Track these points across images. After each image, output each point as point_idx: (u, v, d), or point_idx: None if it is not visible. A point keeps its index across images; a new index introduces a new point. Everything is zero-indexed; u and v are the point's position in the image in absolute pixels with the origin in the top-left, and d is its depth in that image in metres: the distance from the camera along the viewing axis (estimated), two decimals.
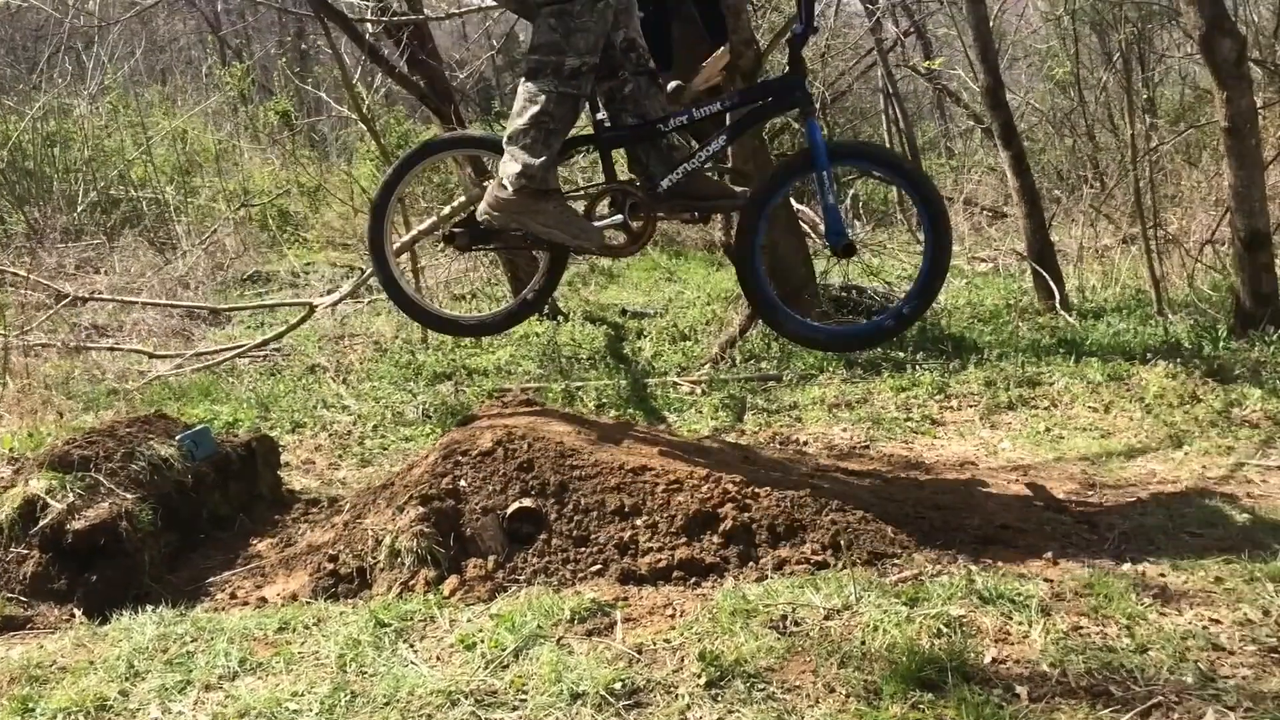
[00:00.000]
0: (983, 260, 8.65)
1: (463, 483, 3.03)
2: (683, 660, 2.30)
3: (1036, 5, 12.39)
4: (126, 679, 2.44)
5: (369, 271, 5.60)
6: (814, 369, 5.13)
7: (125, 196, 10.71)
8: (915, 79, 14.50)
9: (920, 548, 2.81)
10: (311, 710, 2.22)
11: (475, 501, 2.98)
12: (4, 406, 4.86)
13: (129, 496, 3.20)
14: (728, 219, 6.05)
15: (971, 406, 4.56)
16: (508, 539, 2.92)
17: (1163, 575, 2.58)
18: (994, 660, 2.20)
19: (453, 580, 2.79)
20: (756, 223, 3.34)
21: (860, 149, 3.60)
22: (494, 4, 8.14)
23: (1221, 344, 4.88)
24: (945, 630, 2.31)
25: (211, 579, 3.15)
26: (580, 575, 2.81)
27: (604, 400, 4.95)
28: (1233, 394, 4.29)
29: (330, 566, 2.94)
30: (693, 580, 2.78)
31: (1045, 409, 4.42)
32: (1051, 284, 6.23)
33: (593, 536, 2.90)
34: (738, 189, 3.45)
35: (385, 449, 4.52)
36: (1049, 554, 2.76)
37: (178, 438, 3.56)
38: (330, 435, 4.72)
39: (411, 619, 2.61)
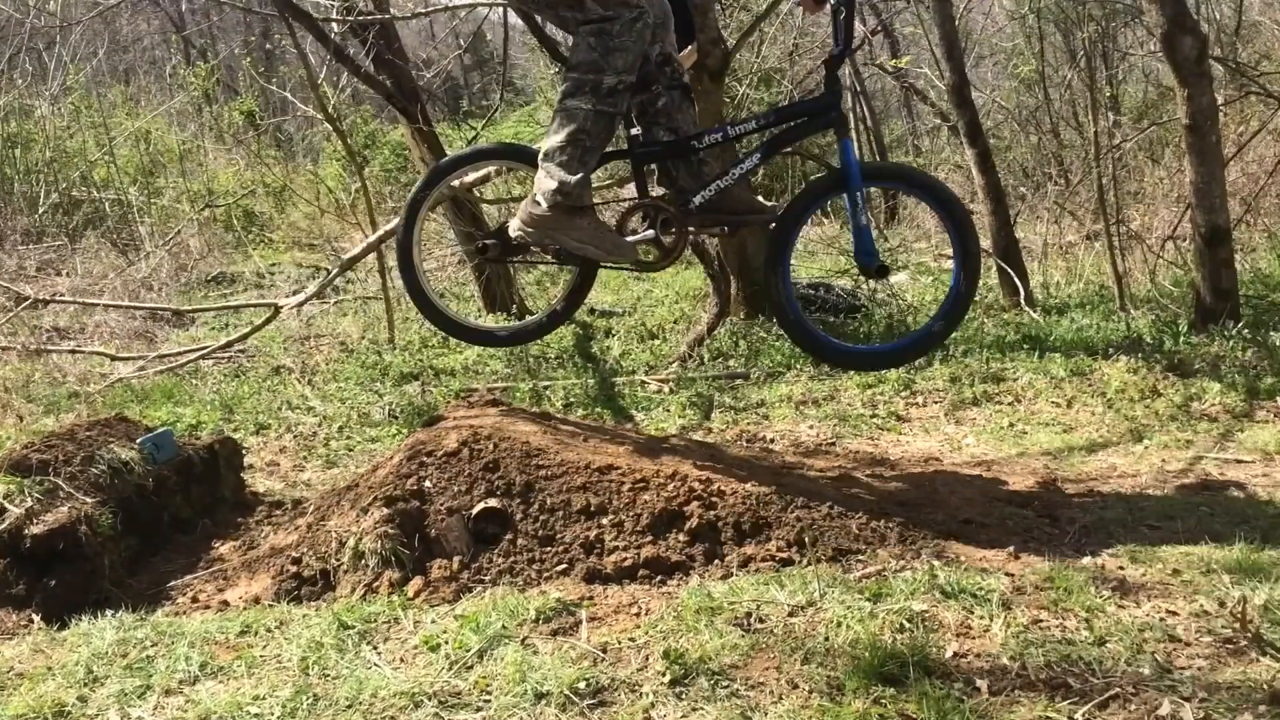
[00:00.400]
0: (949, 257, 8.70)
1: (428, 483, 3.01)
2: (647, 659, 2.29)
3: (1002, 4, 12.50)
4: (85, 685, 2.41)
5: (334, 272, 5.57)
6: (781, 367, 5.15)
7: (88, 198, 10.60)
8: (883, 77, 14.58)
9: (884, 544, 2.83)
10: (273, 714, 2.20)
11: (440, 502, 2.96)
12: None
13: (88, 500, 3.16)
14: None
15: (937, 403, 4.59)
16: (473, 539, 2.90)
17: (1121, 568, 2.61)
18: (955, 654, 2.21)
19: (417, 581, 2.78)
20: (788, 241, 3.37)
21: (893, 170, 3.63)
22: (463, 4, 8.12)
23: (1182, 339, 4.94)
24: (908, 625, 2.33)
25: (173, 583, 3.12)
26: (546, 575, 2.80)
27: (572, 399, 4.95)
28: (1192, 388, 4.35)
29: (293, 569, 2.92)
30: (658, 579, 2.78)
31: (1009, 404, 4.46)
32: (1016, 280, 6.30)
33: (558, 536, 2.89)
34: (768, 204, 3.47)
35: (351, 450, 4.49)
36: (1011, 548, 2.78)
37: (139, 441, 3.52)
38: (295, 437, 4.69)
39: (375, 621, 2.59)
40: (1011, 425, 4.22)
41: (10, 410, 4.86)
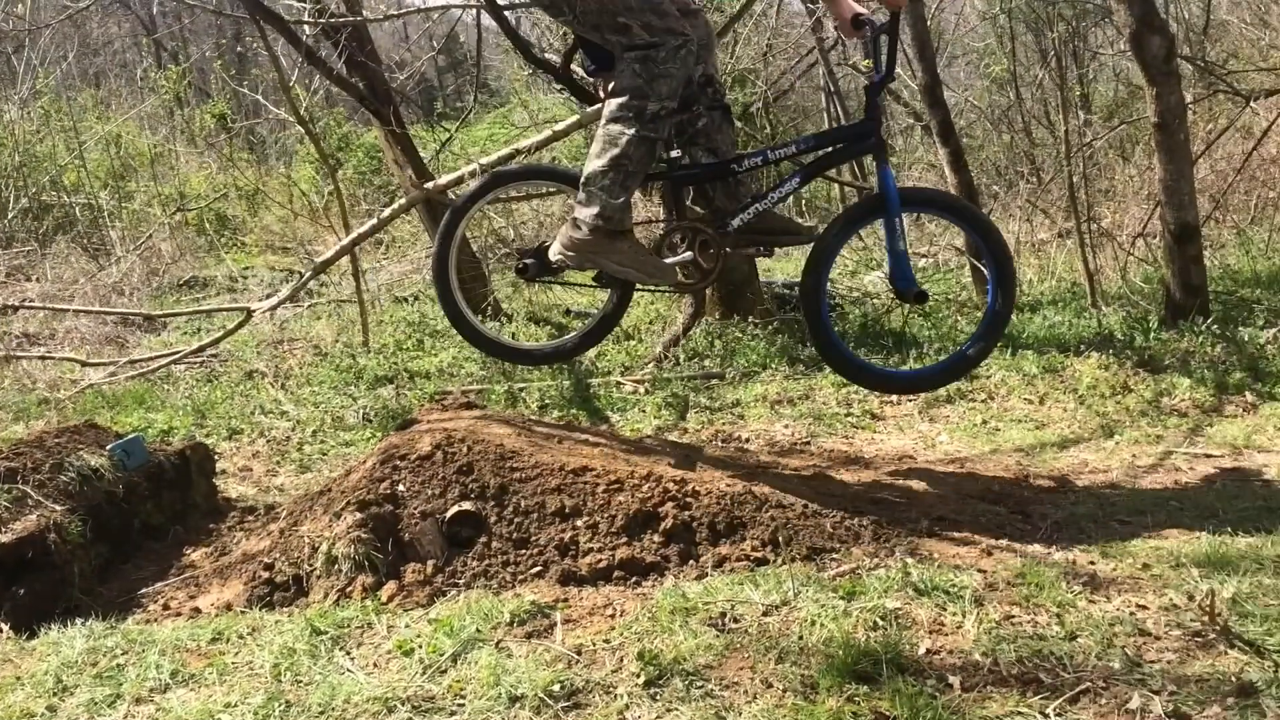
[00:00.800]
0: (923, 256, 8.75)
1: (401, 487, 3.00)
2: (622, 660, 2.29)
3: (974, 4, 12.58)
4: (54, 694, 2.39)
5: (307, 276, 5.54)
6: (757, 366, 5.16)
7: (57, 202, 10.51)
8: (856, 77, 14.63)
9: (858, 542, 2.84)
10: None
11: (414, 506, 2.95)
12: None
13: (58, 508, 3.13)
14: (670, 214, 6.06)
15: (911, 400, 4.61)
16: (447, 543, 2.89)
17: (1092, 563, 2.63)
18: (928, 651, 2.22)
19: (391, 586, 2.76)
20: (825, 265, 3.39)
21: (931, 196, 3.67)
22: (436, 6, 8.09)
23: (1152, 335, 4.99)
24: (881, 623, 2.33)
25: (144, 590, 3.09)
26: (520, 577, 2.79)
27: (547, 401, 4.94)
28: (1163, 384, 4.39)
29: (266, 575, 2.90)
30: (633, 580, 2.77)
31: (982, 401, 4.48)
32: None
33: (533, 538, 2.88)
34: (805, 224, 3.50)
35: (324, 454, 4.47)
36: (983, 545, 2.80)
37: (108, 447, 3.49)
38: (268, 441, 4.66)
39: (348, 626, 2.57)
40: (984, 422, 4.25)
41: None
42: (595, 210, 3.17)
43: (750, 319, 5.72)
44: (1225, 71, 7.26)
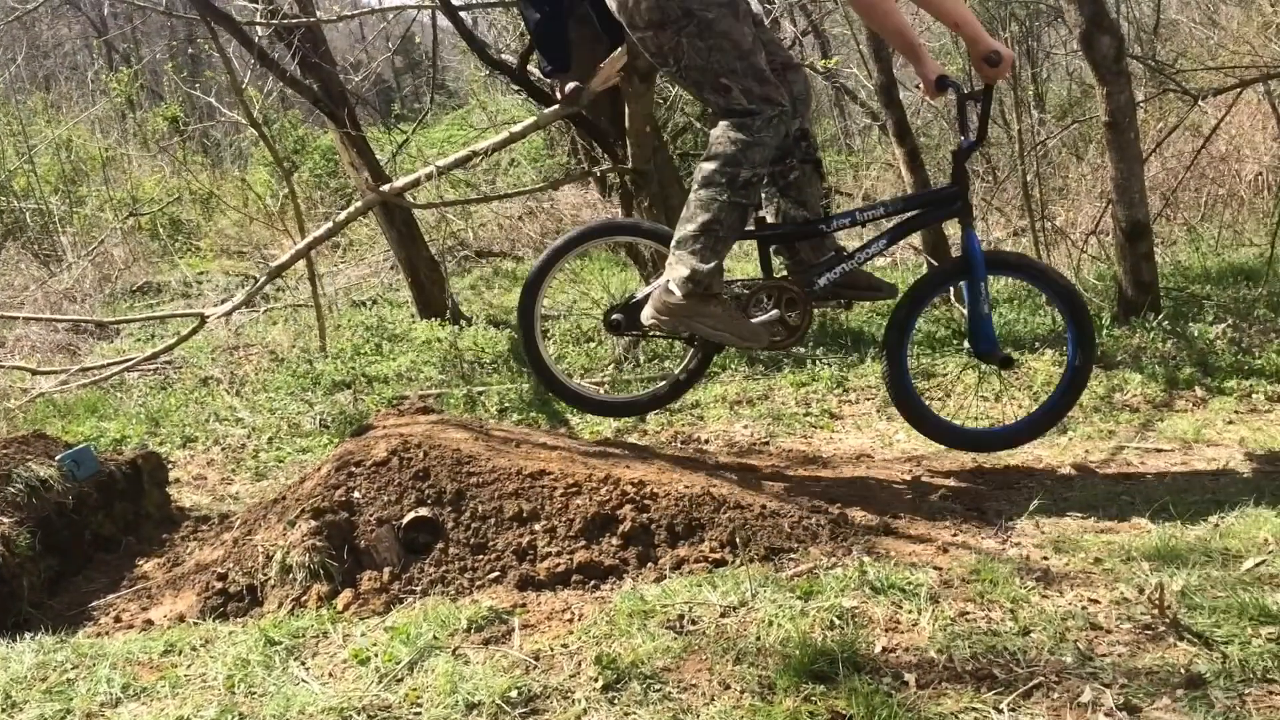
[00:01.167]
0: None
1: (356, 494, 2.97)
2: (580, 664, 2.28)
3: None
4: (3, 710, 2.34)
5: (262, 280, 5.48)
6: (717, 367, 5.17)
7: (7, 208, 10.32)
8: (814, 77, 14.70)
9: (816, 541, 2.85)
10: None
11: (370, 513, 2.93)
12: None
13: (5, 520, 3.08)
14: (629, 216, 6.07)
15: (869, 400, 4.64)
16: (404, 549, 2.87)
17: (1045, 558, 2.66)
18: (884, 649, 2.23)
19: (347, 594, 2.74)
20: (908, 325, 3.47)
21: (1017, 261, 3.75)
22: (393, 6, 8.03)
23: (1105, 331, 5.05)
24: (838, 622, 2.34)
25: (95, 603, 3.04)
26: (478, 583, 2.78)
27: (506, 404, 4.92)
28: (1115, 379, 4.44)
29: (219, 585, 2.86)
30: (592, 583, 2.77)
31: (939, 400, 4.51)
32: None
33: (491, 543, 2.87)
34: (887, 283, 3.56)
35: (281, 461, 4.42)
36: (940, 542, 2.82)
37: (57, 458, 3.43)
38: (223, 449, 4.60)
39: (303, 636, 2.54)
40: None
41: None
42: (686, 274, 3.21)
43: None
44: (1175, 71, 7.36)
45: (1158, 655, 2.11)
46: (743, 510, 2.93)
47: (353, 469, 3.03)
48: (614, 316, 3.58)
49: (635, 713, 2.08)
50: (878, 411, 4.48)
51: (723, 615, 2.44)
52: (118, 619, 2.92)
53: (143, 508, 3.63)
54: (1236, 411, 4.12)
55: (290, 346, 6.34)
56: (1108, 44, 5.16)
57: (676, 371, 3.72)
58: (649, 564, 2.82)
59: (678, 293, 3.24)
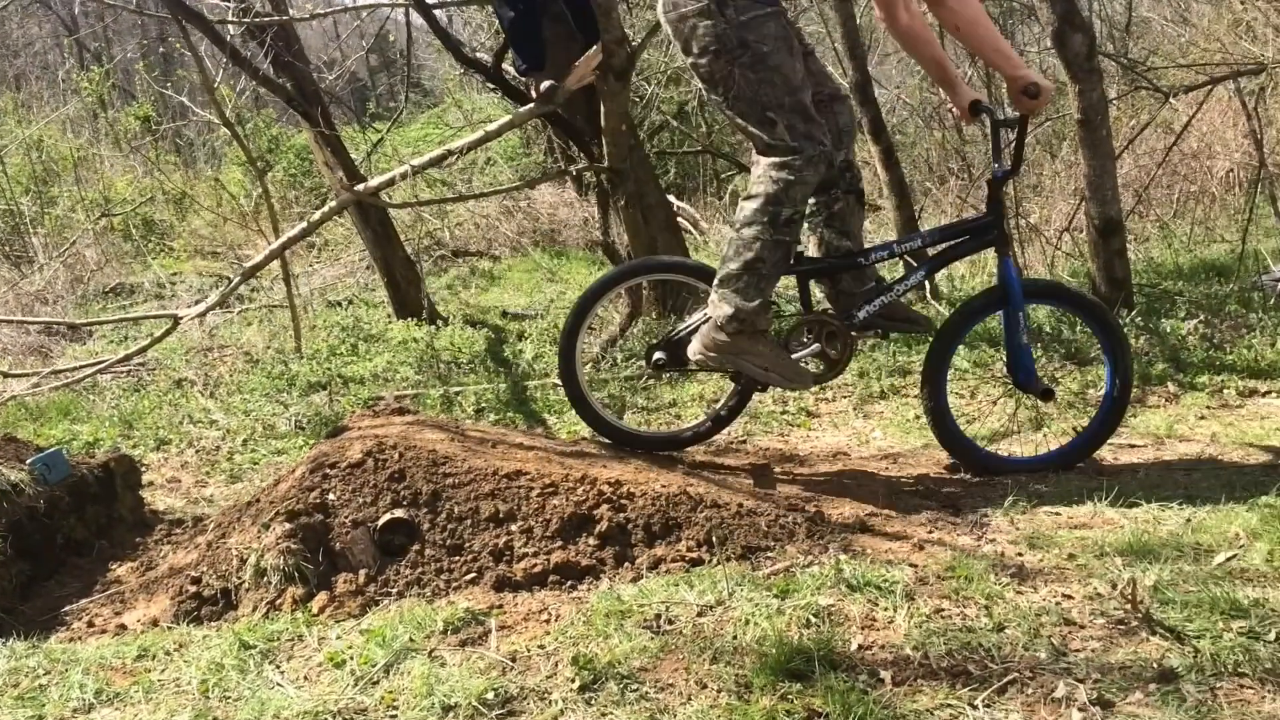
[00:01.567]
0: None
1: (331, 496, 2.96)
2: (557, 665, 2.28)
3: None
4: None
5: (236, 281, 5.44)
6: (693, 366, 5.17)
7: None
8: None
9: (792, 539, 2.86)
10: None
11: (345, 515, 2.91)
12: None
13: None
14: (606, 215, 6.07)
15: (845, 397, 4.66)
16: (379, 551, 2.86)
17: (1020, 555, 2.68)
18: (860, 647, 2.24)
19: (322, 597, 2.72)
20: (946, 357, 3.49)
21: (1055, 290, 3.76)
22: (366, 5, 7.99)
23: (1079, 328, 5.08)
24: (814, 620, 2.35)
25: (67, 608, 3.01)
26: (454, 584, 2.77)
27: (483, 405, 4.90)
28: (1089, 375, 4.48)
29: (193, 589, 2.84)
30: (569, 584, 2.76)
31: (915, 397, 4.53)
32: None
33: (467, 544, 2.86)
34: (923, 316, 3.60)
35: (256, 464, 4.39)
36: (915, 539, 2.83)
37: (29, 461, 3.40)
38: (197, 451, 4.56)
39: (278, 639, 2.53)
40: (917, 418, 4.30)
41: None
42: (730, 312, 3.24)
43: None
44: (1146, 68, 7.43)
45: (1130, 650, 2.13)
46: (719, 509, 2.94)
47: (327, 471, 3.02)
48: (657, 355, 3.59)
49: (612, 713, 2.08)
50: (854, 409, 4.49)
51: (699, 614, 2.44)
52: (90, 624, 2.89)
53: (116, 511, 3.59)
54: (1208, 407, 4.16)
55: (265, 348, 6.30)
56: (1080, 42, 5.19)
57: (718, 407, 3.74)
58: (626, 564, 2.82)
59: (724, 331, 3.27)
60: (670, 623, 2.42)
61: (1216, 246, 7.06)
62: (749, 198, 3.21)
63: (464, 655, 2.37)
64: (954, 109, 3.48)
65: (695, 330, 3.44)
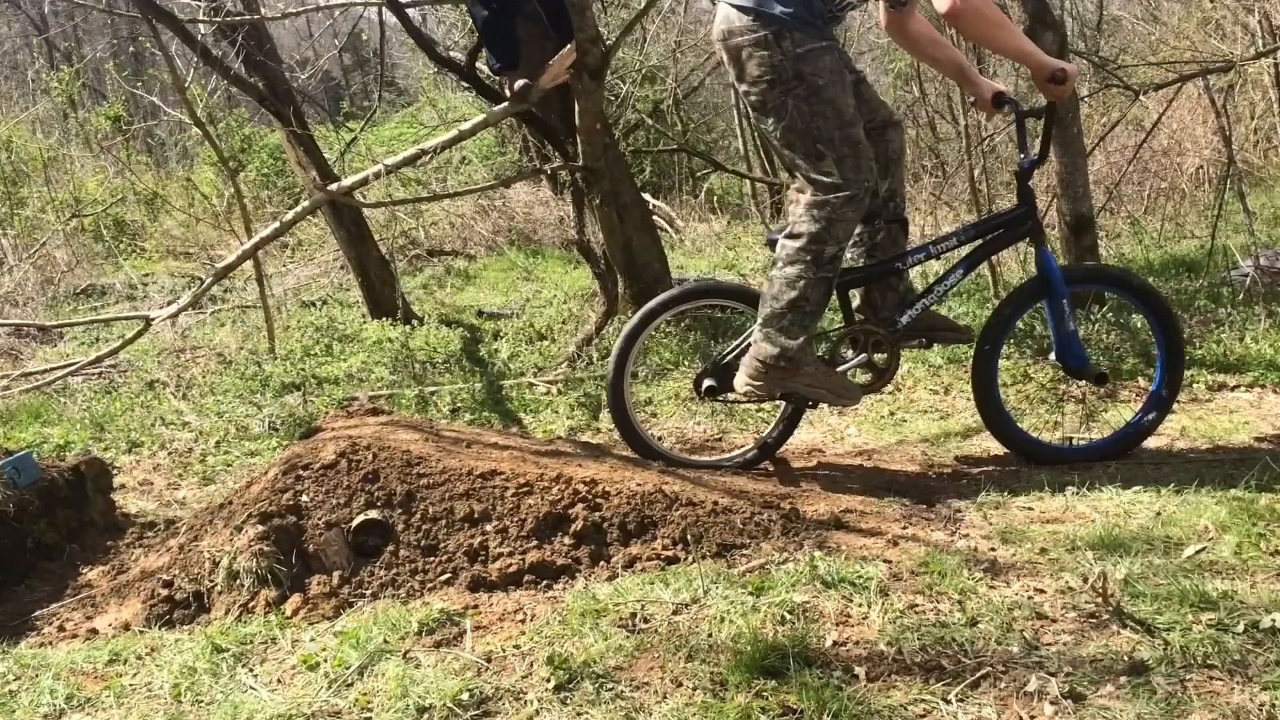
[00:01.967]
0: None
1: (305, 497, 2.94)
2: (532, 665, 2.28)
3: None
4: None
5: (208, 282, 5.39)
6: (669, 364, 5.17)
7: None
8: None
9: (768, 536, 2.86)
10: None
11: (318, 516, 2.89)
12: None
13: None
14: (581, 213, 6.06)
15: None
16: (353, 553, 2.84)
17: (993, 549, 2.69)
18: (835, 643, 2.25)
19: (295, 599, 2.70)
20: (994, 357, 3.50)
21: (1098, 273, 3.76)
22: (339, 3, 7.94)
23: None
24: (789, 617, 2.36)
25: (38, 612, 2.98)
26: (429, 585, 2.76)
27: (459, 404, 4.89)
28: (1060, 371, 4.50)
29: (165, 592, 2.81)
30: (544, 583, 2.76)
31: (889, 393, 4.55)
32: None
33: (442, 545, 2.85)
34: (964, 326, 3.66)
35: (229, 465, 4.35)
36: (890, 535, 2.84)
37: None
38: (170, 454, 4.52)
39: (251, 642, 2.51)
40: (891, 414, 4.32)
41: None
42: (776, 352, 3.28)
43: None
44: (1117, 66, 7.48)
45: (1102, 643, 2.15)
46: (695, 507, 2.94)
47: (300, 472, 3.00)
48: (707, 381, 3.58)
49: (588, 712, 2.08)
50: (829, 406, 4.50)
51: (675, 613, 2.45)
52: (61, 628, 2.86)
53: (87, 515, 3.56)
54: (1178, 401, 4.19)
55: (238, 348, 6.26)
56: (1050, 40, 5.23)
57: (765, 434, 3.73)
58: (601, 563, 2.82)
59: (770, 368, 3.30)
60: (645, 621, 2.42)
61: (1186, 242, 7.13)
62: (791, 236, 3.24)
63: (439, 656, 2.36)
64: (974, 101, 3.50)
65: (743, 353, 3.45)
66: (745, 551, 2.81)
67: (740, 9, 3.18)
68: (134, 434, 4.76)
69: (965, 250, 3.56)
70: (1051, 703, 1.95)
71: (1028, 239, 3.44)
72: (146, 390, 5.54)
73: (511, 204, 10.45)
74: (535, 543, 2.84)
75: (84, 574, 3.24)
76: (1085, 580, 2.39)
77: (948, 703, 1.98)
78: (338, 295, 7.83)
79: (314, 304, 7.66)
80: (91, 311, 7.95)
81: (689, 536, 2.83)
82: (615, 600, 2.52)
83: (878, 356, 3.49)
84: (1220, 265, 6.11)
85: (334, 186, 5.68)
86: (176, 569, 2.88)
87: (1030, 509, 3.02)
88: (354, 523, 2.86)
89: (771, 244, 3.45)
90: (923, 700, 2.00)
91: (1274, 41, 7.68)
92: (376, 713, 2.14)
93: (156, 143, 13.66)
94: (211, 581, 2.78)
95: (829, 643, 2.25)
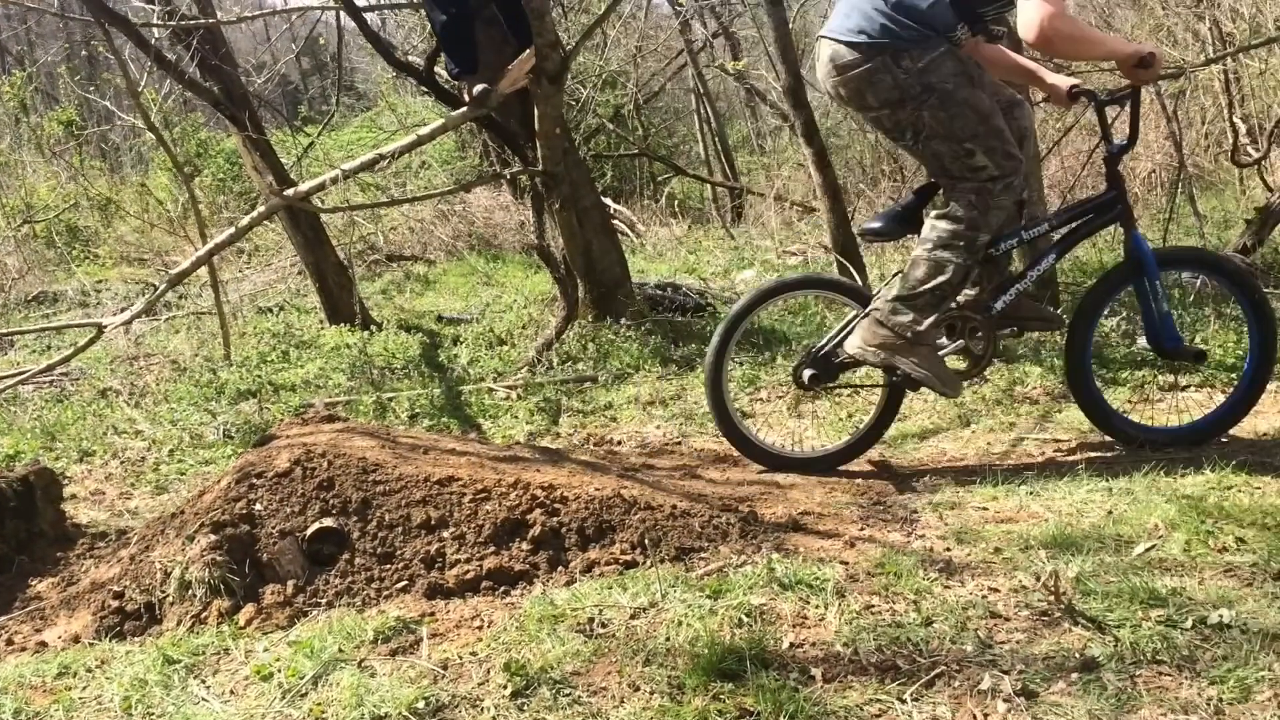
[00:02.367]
0: (792, 254, 8.93)
1: (258, 506, 2.90)
2: (489, 672, 2.26)
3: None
4: None
5: (162, 288, 5.33)
6: (630, 368, 5.18)
7: None
8: (726, 79, 14.84)
9: (726, 540, 2.87)
10: None
11: (272, 525, 2.86)
12: None
13: None
14: (541, 218, 6.05)
15: (780, 398, 4.69)
16: (308, 561, 2.81)
17: (948, 549, 2.72)
18: (791, 645, 2.25)
19: (249, 609, 2.67)
20: (1087, 340, 3.51)
21: (1190, 255, 3.76)
22: (295, 8, 7.87)
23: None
24: (746, 620, 2.36)
25: None
26: (385, 593, 2.73)
27: (417, 410, 4.86)
28: (1016, 372, 4.56)
29: (115, 604, 2.77)
30: (502, 589, 2.74)
31: (848, 396, 4.58)
32: (855, 274, 6.48)
33: (398, 552, 2.82)
34: (1056, 314, 3.68)
35: (183, 474, 4.29)
36: (847, 536, 2.86)
37: None
38: (122, 463, 4.45)
39: (203, 653, 2.47)
40: (850, 416, 4.34)
41: None
42: (905, 322, 3.29)
43: (623, 321, 5.73)
44: (1071, 72, 7.59)
45: (1054, 641, 2.17)
46: (653, 511, 2.94)
47: (254, 480, 2.96)
48: (809, 371, 3.58)
49: (545, 718, 2.07)
50: (789, 409, 4.52)
51: (633, 617, 2.44)
52: (9, 641, 2.80)
53: (36, 526, 3.49)
54: (1130, 401, 4.24)
55: (193, 355, 6.18)
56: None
57: (863, 426, 3.73)
58: (560, 568, 2.81)
59: (894, 334, 3.31)
60: (603, 626, 2.41)
61: None
62: (947, 219, 3.24)
63: (395, 664, 2.34)
64: (1046, 96, 3.54)
65: (841, 343, 3.47)
66: (703, 555, 2.81)
67: (850, 45, 3.21)
68: (86, 443, 4.69)
69: (1056, 236, 3.60)
70: (1005, 700, 1.97)
71: (1118, 222, 3.46)
72: (99, 399, 5.46)
73: (471, 209, 10.42)
74: (493, 549, 2.82)
75: (33, 586, 3.18)
76: (1038, 579, 2.41)
77: (903, 702, 1.99)
78: (295, 301, 7.76)
79: (271, 310, 7.58)
80: (43, 319, 7.82)
81: (647, 540, 2.83)
82: (573, 605, 2.51)
83: (974, 344, 3.50)
84: None
85: (291, 191, 5.64)
86: (128, 580, 2.83)
87: (985, 509, 3.04)
88: (309, 531, 2.83)
89: (866, 234, 3.54)
90: (878, 700, 2.01)
91: (1224, 48, 7.83)
92: None
93: (110, 148, 13.48)
94: (163, 592, 2.73)
95: (786, 644, 2.26)
